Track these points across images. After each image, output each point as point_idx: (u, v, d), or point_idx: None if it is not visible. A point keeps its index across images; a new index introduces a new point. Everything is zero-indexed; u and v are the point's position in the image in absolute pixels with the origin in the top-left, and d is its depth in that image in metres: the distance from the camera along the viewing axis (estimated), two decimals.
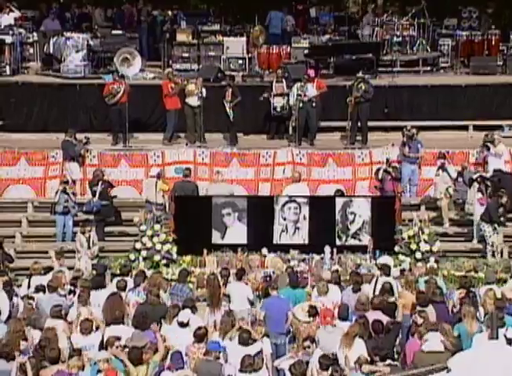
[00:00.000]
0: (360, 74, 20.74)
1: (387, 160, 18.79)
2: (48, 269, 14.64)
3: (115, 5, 25.70)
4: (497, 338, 11.07)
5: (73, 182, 18.98)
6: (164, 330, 12.21)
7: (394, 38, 23.98)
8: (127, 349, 11.04)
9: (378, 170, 18.62)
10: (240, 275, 14.34)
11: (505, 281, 14.87)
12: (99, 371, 10.64)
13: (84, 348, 11.55)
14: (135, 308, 12.98)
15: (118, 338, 11.22)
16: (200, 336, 11.48)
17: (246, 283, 14.45)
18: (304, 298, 13.64)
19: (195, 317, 12.38)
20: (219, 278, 13.86)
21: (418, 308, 12.68)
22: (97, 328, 12.15)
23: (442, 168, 18.61)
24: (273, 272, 15.43)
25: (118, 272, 15.03)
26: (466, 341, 11.79)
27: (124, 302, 13.18)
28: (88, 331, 11.85)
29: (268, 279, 14.95)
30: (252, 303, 13.98)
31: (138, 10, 25.56)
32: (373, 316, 12.28)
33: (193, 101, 20.32)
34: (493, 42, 24.28)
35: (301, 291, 13.87)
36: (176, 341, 11.76)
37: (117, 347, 10.98)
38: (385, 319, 12.31)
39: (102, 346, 11.52)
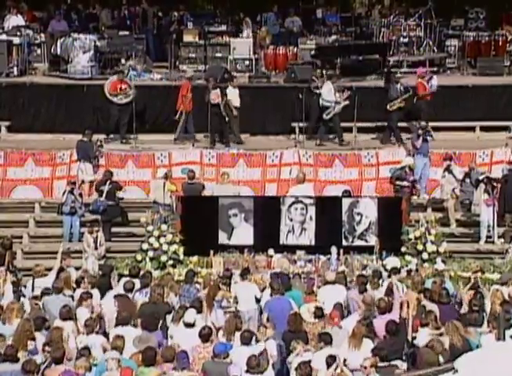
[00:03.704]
0: (397, 74, 20.90)
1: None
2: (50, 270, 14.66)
3: (122, 6, 25.68)
4: (504, 339, 11.07)
5: (82, 182, 19.06)
6: (172, 330, 12.24)
7: (401, 39, 23.97)
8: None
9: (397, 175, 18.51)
10: (245, 274, 14.34)
11: None
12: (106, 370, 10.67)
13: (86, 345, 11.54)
14: None
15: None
16: (206, 336, 11.49)
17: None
18: (301, 300, 13.65)
19: (201, 317, 12.39)
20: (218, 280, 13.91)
21: (423, 302, 12.68)
22: (100, 327, 12.18)
23: (448, 169, 18.61)
24: (280, 273, 15.42)
25: (127, 273, 15.03)
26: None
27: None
28: (91, 330, 11.85)
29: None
30: (259, 301, 13.98)
31: (144, 11, 25.57)
32: (381, 319, 12.28)
33: (236, 102, 20.32)
34: (500, 43, 24.24)
35: (297, 293, 13.88)
36: (183, 341, 11.77)
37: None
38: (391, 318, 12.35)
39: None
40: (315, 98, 20.62)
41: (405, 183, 18.01)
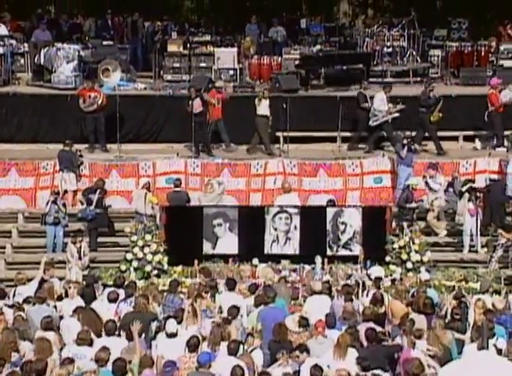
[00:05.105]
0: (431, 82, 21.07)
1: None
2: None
3: (107, 16, 25.67)
4: (487, 348, 11.09)
5: (65, 192, 18.98)
6: (156, 341, 12.18)
7: (385, 49, 24.07)
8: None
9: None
10: (232, 285, 14.32)
11: (496, 291, 14.85)
12: None
13: (75, 356, 11.38)
14: None
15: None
16: (193, 346, 11.43)
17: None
18: (285, 308, 13.62)
19: (181, 327, 12.32)
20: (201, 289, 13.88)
21: (412, 315, 12.69)
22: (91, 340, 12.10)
23: (426, 181, 18.68)
24: (264, 282, 15.41)
25: (111, 283, 14.97)
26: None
27: (116, 313, 13.15)
28: (84, 342, 11.74)
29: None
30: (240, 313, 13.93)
31: (134, 21, 25.53)
32: (364, 327, 12.28)
33: (265, 111, 20.38)
34: (483, 53, 24.41)
35: (281, 302, 13.82)
36: (166, 352, 11.71)
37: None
38: (377, 329, 12.34)
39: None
40: (364, 111, 20.71)
41: (413, 205, 17.95)
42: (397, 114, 20.50)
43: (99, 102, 20.29)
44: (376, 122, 20.54)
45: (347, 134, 21.15)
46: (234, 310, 12.83)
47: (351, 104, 21.07)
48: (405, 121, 20.72)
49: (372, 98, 20.80)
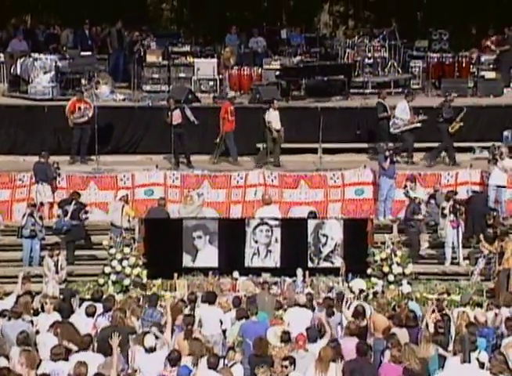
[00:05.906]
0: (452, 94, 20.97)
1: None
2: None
3: (85, 26, 25.48)
4: (469, 361, 11.01)
5: (42, 204, 18.73)
6: (133, 355, 11.98)
7: (366, 60, 24.03)
8: None
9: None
10: (212, 299, 14.12)
11: (477, 304, 14.76)
12: None
13: (52, 372, 11.21)
14: None
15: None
16: (174, 360, 11.28)
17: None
18: (267, 321, 13.48)
19: (160, 342, 12.16)
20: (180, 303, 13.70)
21: (392, 330, 12.54)
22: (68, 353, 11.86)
23: (406, 192, 18.59)
24: (244, 296, 15.25)
25: (90, 297, 14.75)
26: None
27: (94, 327, 12.94)
28: (59, 357, 11.49)
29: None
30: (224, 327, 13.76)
31: (117, 31, 25.34)
32: (348, 341, 12.15)
33: (277, 124, 20.20)
34: (464, 64, 24.45)
35: (263, 315, 13.70)
36: (144, 366, 11.58)
37: None
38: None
39: None
40: (384, 121, 20.66)
41: (420, 217, 17.84)
42: (419, 124, 20.46)
43: (90, 114, 20.11)
44: (397, 130, 20.49)
45: (328, 145, 21.04)
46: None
47: (332, 114, 21.00)
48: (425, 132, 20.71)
49: (393, 108, 20.73)
